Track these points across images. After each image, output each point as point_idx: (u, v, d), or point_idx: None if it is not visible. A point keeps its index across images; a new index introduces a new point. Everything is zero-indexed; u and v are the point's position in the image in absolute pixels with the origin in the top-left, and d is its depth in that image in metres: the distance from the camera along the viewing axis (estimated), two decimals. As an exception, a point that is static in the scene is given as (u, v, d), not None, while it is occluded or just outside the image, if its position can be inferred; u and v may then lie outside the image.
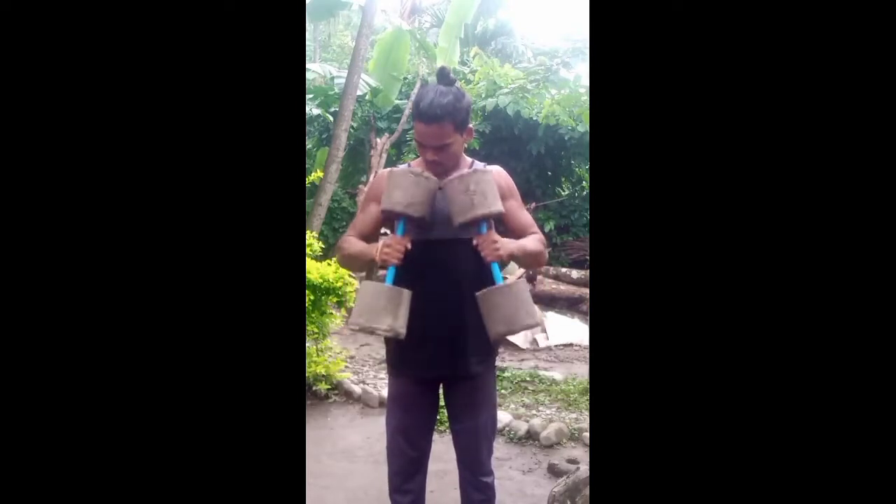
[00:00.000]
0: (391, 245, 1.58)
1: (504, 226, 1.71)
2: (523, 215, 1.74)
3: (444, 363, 1.68)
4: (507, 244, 1.60)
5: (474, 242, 1.58)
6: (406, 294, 1.57)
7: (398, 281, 1.60)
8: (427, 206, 1.58)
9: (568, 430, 3.17)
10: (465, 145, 1.71)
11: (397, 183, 1.59)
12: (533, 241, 1.68)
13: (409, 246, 1.59)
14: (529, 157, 7.32)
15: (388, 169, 1.69)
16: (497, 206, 1.56)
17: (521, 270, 5.68)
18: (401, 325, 1.54)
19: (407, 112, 7.04)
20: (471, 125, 1.66)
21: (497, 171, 1.71)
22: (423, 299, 1.60)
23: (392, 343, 1.74)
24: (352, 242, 1.72)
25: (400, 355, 1.72)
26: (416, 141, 1.65)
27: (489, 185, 1.56)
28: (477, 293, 1.57)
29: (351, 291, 3.53)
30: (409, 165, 1.72)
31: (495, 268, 1.58)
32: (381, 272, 5.55)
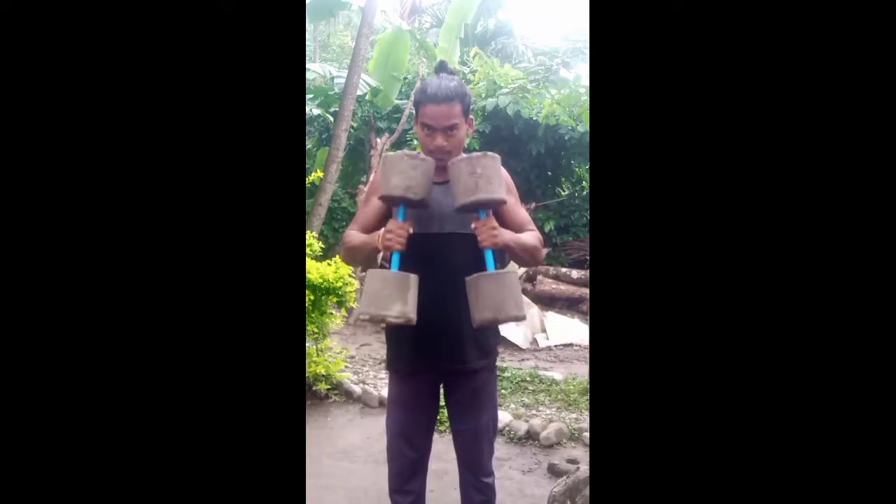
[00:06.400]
0: (393, 231, 1.55)
1: (501, 220, 1.69)
2: (521, 212, 1.73)
3: (444, 358, 1.67)
4: (505, 233, 1.58)
5: (472, 226, 1.55)
6: (413, 278, 1.53)
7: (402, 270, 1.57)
8: (426, 188, 1.55)
9: (568, 430, 3.17)
10: (467, 141, 1.71)
11: (394, 167, 1.55)
12: (530, 237, 1.67)
13: (412, 230, 1.56)
14: (529, 157, 7.32)
15: (384, 155, 1.67)
16: (500, 194, 1.54)
17: (522, 270, 5.67)
18: (411, 310, 1.51)
19: (407, 112, 7.04)
20: (471, 116, 1.67)
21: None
22: (423, 294, 1.59)
23: (392, 340, 1.73)
24: (353, 235, 1.70)
25: (399, 351, 1.71)
26: (425, 125, 1.62)
27: (496, 171, 1.54)
28: (466, 277, 1.54)
29: (351, 291, 3.53)
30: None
31: (489, 255, 1.56)
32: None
